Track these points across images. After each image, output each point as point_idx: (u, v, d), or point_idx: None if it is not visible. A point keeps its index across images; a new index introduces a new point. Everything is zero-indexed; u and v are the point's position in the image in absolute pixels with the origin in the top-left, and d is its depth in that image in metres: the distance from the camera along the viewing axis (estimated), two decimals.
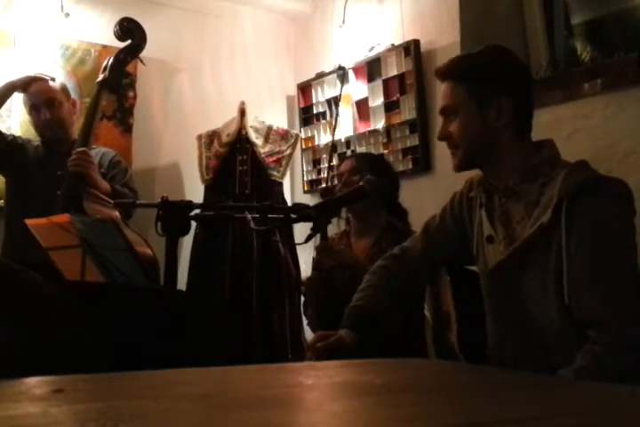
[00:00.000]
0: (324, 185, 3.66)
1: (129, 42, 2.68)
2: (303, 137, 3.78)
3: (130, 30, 2.66)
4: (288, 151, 3.51)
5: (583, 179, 1.36)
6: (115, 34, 2.67)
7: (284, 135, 3.55)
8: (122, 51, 2.68)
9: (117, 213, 2.36)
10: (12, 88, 2.67)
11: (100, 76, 2.65)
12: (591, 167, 1.43)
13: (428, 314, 1.99)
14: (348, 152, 3.50)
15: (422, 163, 3.12)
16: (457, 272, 1.63)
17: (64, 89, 2.72)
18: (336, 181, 2.45)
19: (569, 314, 1.32)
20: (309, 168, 3.79)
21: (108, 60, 2.66)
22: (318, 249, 2.32)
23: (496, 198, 1.50)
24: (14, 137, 2.74)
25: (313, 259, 2.37)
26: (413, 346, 1.94)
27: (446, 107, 1.51)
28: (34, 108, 2.64)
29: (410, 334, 1.97)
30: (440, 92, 1.55)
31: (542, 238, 1.36)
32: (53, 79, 2.75)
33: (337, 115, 3.47)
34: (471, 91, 1.46)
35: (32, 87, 2.65)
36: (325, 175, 3.57)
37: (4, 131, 2.77)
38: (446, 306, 2.02)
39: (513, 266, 1.43)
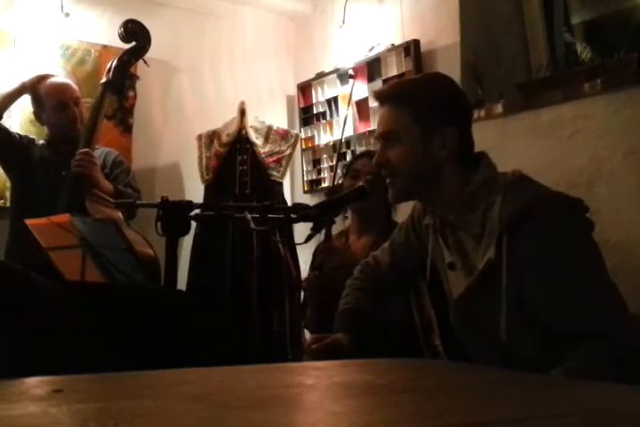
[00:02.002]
0: (325, 184, 3.67)
1: (133, 44, 2.68)
2: (303, 137, 3.78)
3: (134, 32, 2.66)
4: (288, 151, 3.51)
5: (520, 206, 1.30)
6: (119, 35, 2.67)
7: (284, 135, 3.55)
8: (126, 52, 2.68)
9: (120, 214, 2.36)
10: (22, 89, 2.67)
11: (104, 78, 2.65)
12: (529, 184, 1.37)
13: (417, 317, 2.02)
14: (349, 152, 3.50)
15: None
16: (432, 279, 1.62)
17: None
18: (341, 179, 2.40)
19: (543, 340, 1.29)
20: (309, 168, 3.79)
21: (112, 62, 2.66)
22: (319, 249, 2.31)
23: (447, 227, 1.47)
24: (20, 136, 2.74)
25: (315, 257, 2.36)
26: (409, 347, 1.95)
27: (388, 132, 1.43)
28: (61, 106, 2.62)
29: (406, 335, 1.98)
30: (380, 116, 1.47)
31: (494, 272, 1.33)
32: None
33: (351, 109, 3.46)
34: (417, 117, 1.39)
35: (54, 84, 2.63)
36: (333, 174, 3.56)
37: (7, 128, 2.76)
38: (428, 310, 2.04)
39: (474, 298, 1.40)
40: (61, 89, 2.64)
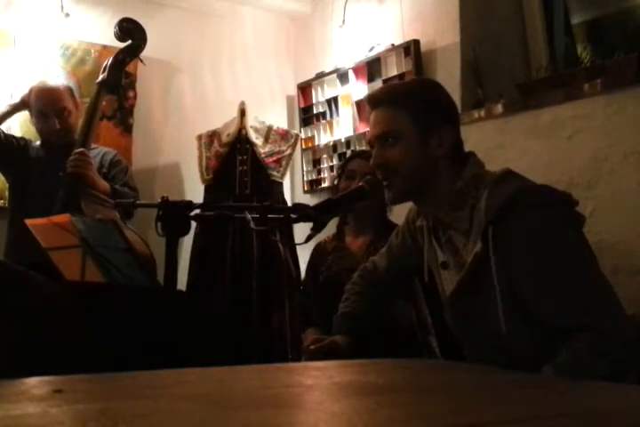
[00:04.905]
0: (325, 184, 3.67)
1: (129, 42, 2.68)
2: (303, 137, 3.78)
3: (129, 31, 2.65)
4: (288, 151, 3.50)
5: (504, 199, 1.31)
6: (115, 34, 2.67)
7: (284, 135, 3.55)
8: (121, 51, 2.68)
9: (116, 213, 2.36)
10: (22, 104, 2.67)
11: (100, 77, 2.65)
12: (514, 178, 1.38)
13: (414, 318, 2.03)
14: (348, 152, 3.50)
15: None
16: (427, 281, 1.63)
17: (71, 93, 2.69)
18: (338, 180, 2.39)
19: (536, 336, 1.29)
20: (309, 168, 3.79)
21: (108, 61, 2.66)
22: (331, 248, 2.30)
23: (439, 226, 1.49)
24: (17, 138, 2.74)
25: (314, 257, 2.36)
26: (411, 347, 1.95)
27: (386, 132, 1.44)
28: (42, 115, 2.61)
29: (408, 335, 1.98)
30: (373, 119, 1.48)
31: (483, 266, 1.33)
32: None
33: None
34: (414, 117, 1.41)
35: (41, 91, 2.61)
36: (333, 174, 3.56)
37: (4, 131, 2.76)
38: (424, 311, 2.05)
39: (466, 294, 1.41)
40: (46, 98, 2.61)
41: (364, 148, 3.38)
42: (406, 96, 1.45)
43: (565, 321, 1.25)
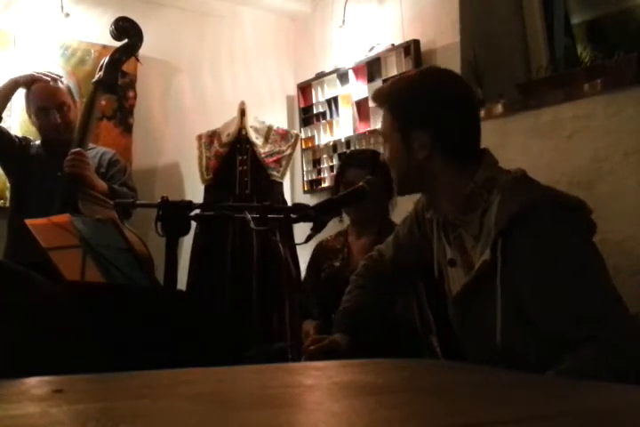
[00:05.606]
0: (325, 184, 3.67)
1: (125, 41, 2.67)
2: (303, 137, 3.78)
3: (126, 29, 2.65)
4: (288, 151, 3.51)
5: (515, 211, 1.30)
6: (110, 33, 2.67)
7: (284, 135, 3.55)
8: (117, 50, 2.67)
9: (115, 213, 2.35)
10: (15, 85, 2.66)
11: (96, 76, 2.65)
12: (528, 186, 1.36)
13: (417, 316, 2.03)
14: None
15: None
16: (430, 281, 1.63)
17: (69, 91, 2.71)
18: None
19: (541, 343, 1.29)
20: (309, 168, 3.79)
21: (104, 60, 2.65)
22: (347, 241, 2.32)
23: (448, 224, 1.48)
24: (19, 138, 2.74)
25: (316, 257, 2.36)
26: (413, 346, 1.95)
27: (381, 133, 1.54)
28: (42, 110, 2.62)
29: (402, 335, 1.98)
30: None
31: (490, 273, 1.33)
32: (57, 77, 2.73)
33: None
34: (395, 121, 1.44)
35: (40, 88, 2.62)
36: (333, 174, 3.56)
37: (6, 129, 2.75)
38: (426, 309, 2.05)
39: (471, 297, 1.41)
40: (46, 94, 2.62)
41: (363, 148, 3.38)
42: (390, 99, 1.47)
43: (570, 332, 1.24)
